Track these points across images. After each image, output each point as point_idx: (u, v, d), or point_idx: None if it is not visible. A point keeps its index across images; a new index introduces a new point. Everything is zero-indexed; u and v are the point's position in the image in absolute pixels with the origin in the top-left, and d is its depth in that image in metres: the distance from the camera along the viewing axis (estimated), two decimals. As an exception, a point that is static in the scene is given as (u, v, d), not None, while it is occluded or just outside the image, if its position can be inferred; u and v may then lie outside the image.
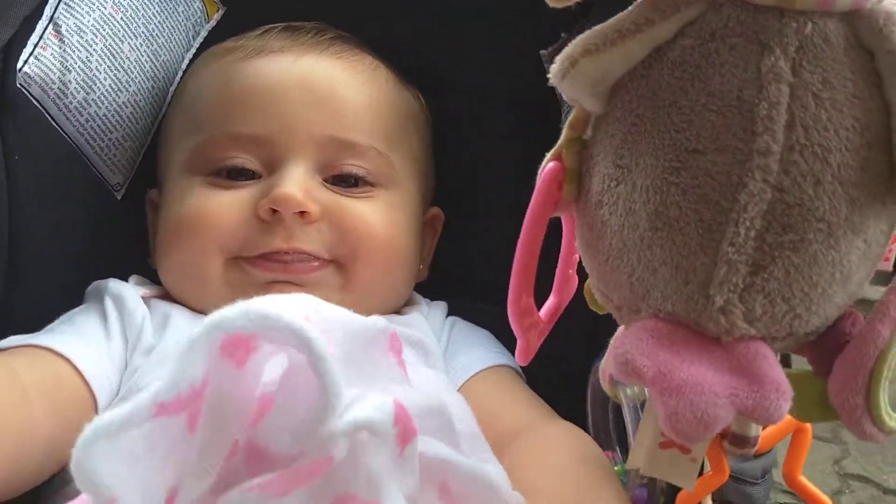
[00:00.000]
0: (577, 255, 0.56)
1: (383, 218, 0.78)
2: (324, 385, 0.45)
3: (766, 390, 0.43)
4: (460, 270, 0.88)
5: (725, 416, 0.43)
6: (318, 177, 0.78)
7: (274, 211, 0.74)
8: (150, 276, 0.83)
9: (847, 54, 0.41)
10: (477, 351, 0.79)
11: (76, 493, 0.63)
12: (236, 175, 0.78)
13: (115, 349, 0.72)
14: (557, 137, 0.86)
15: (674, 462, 0.48)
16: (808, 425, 0.55)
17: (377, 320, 0.57)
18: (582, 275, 0.56)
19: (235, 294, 0.71)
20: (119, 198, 0.84)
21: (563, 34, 0.84)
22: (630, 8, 0.45)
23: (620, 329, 0.59)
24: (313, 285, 0.75)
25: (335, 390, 0.45)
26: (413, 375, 0.59)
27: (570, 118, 0.50)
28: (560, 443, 0.66)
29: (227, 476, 0.47)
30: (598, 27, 0.45)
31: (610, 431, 0.65)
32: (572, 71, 0.45)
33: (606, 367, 0.60)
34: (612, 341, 0.60)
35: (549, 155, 0.50)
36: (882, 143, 0.42)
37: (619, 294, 0.47)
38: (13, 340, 0.69)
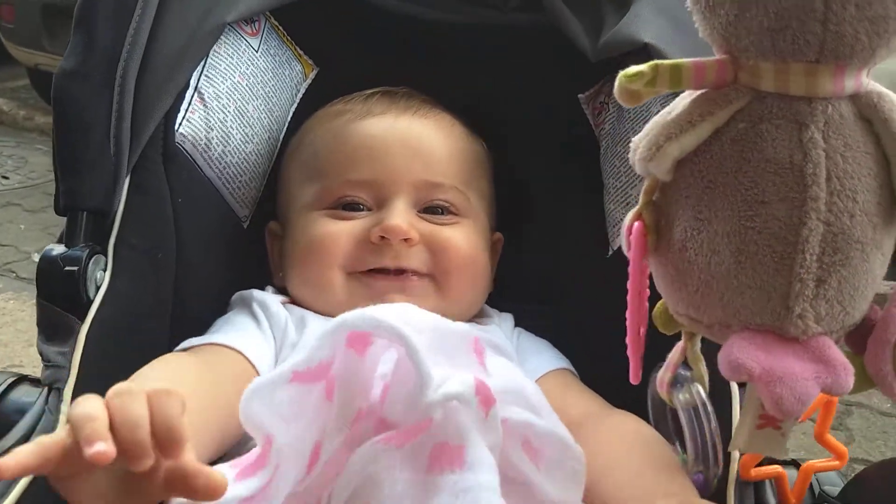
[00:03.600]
0: (648, 292, 0.70)
1: (467, 240, 0.98)
2: (418, 370, 0.63)
3: (838, 370, 0.58)
4: (520, 281, 1.07)
5: (815, 394, 0.58)
6: (414, 210, 0.97)
7: (383, 237, 0.93)
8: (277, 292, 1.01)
9: (856, 124, 0.58)
10: (543, 356, 0.96)
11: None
12: (352, 208, 0.97)
13: (270, 344, 0.89)
14: (593, 165, 1.04)
15: (768, 438, 0.62)
16: (835, 399, 0.72)
17: (461, 325, 0.74)
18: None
19: (354, 302, 0.90)
20: (245, 227, 1.04)
21: (597, 84, 1.01)
22: (689, 103, 0.61)
23: (678, 345, 0.74)
24: (415, 295, 0.91)
25: (426, 372, 0.63)
26: (491, 366, 0.73)
27: (644, 186, 0.64)
28: (626, 427, 0.80)
29: (358, 435, 0.66)
30: (672, 119, 0.60)
31: (669, 428, 0.79)
32: (658, 153, 0.60)
33: (664, 377, 0.74)
34: (670, 356, 0.75)
35: (630, 216, 0.64)
36: (886, 183, 0.59)
37: (710, 315, 0.61)
38: (192, 342, 0.87)
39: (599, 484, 0.73)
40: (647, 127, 0.62)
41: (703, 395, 0.72)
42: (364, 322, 0.65)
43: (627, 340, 0.65)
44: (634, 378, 0.67)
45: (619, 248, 0.96)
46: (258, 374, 0.84)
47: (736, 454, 0.75)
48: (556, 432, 0.71)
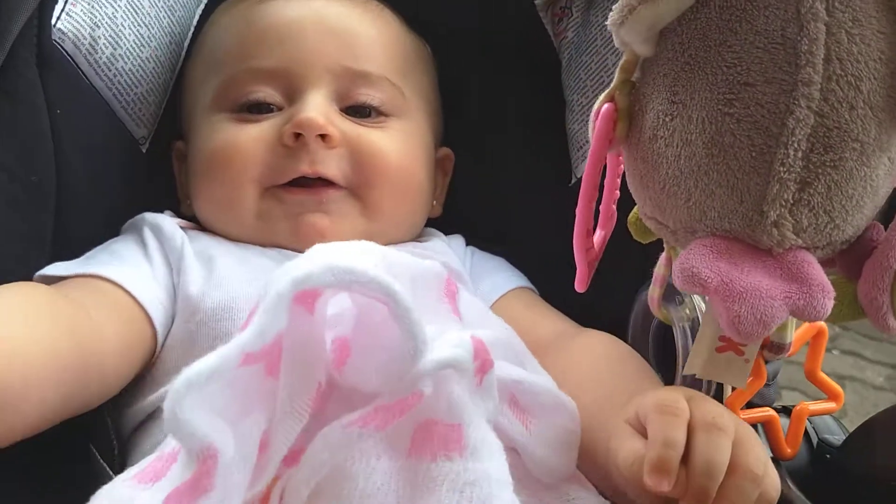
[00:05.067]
0: (618, 192, 0.62)
1: (397, 147, 0.82)
2: (411, 333, 0.49)
3: (814, 291, 0.49)
4: (472, 215, 0.93)
5: (781, 316, 0.49)
6: (335, 106, 0.81)
7: (297, 136, 0.77)
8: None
9: (871, -5, 0.48)
10: (499, 274, 0.84)
11: (152, 433, 0.67)
12: (259, 109, 0.81)
13: (160, 273, 0.74)
14: (558, 83, 0.90)
15: (729, 364, 0.54)
16: (826, 329, 0.63)
17: (434, 265, 0.61)
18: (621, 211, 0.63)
19: (268, 225, 0.79)
20: (144, 151, 0.87)
21: None
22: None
23: (662, 256, 0.66)
24: (337, 214, 0.79)
25: (422, 337, 0.49)
26: (464, 311, 0.64)
27: (621, 62, 0.55)
28: (599, 344, 0.71)
29: (318, 417, 0.51)
30: (651, -21, 0.50)
31: (649, 355, 0.71)
32: (630, 17, 0.51)
33: (654, 293, 0.66)
34: (655, 270, 0.67)
35: (602, 97, 0.56)
36: (903, 72, 0.49)
37: (676, 218, 0.53)
38: (57, 268, 0.71)
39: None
40: (626, -12, 0.53)
41: (704, 305, 0.63)
42: (332, 276, 0.48)
43: (574, 240, 0.57)
44: (580, 285, 0.59)
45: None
46: (145, 312, 0.70)
47: (728, 392, 0.66)
48: (548, 387, 0.60)
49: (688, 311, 0.64)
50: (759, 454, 0.50)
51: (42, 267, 0.72)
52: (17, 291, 0.64)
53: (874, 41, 0.48)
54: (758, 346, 0.54)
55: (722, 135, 0.49)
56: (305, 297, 0.50)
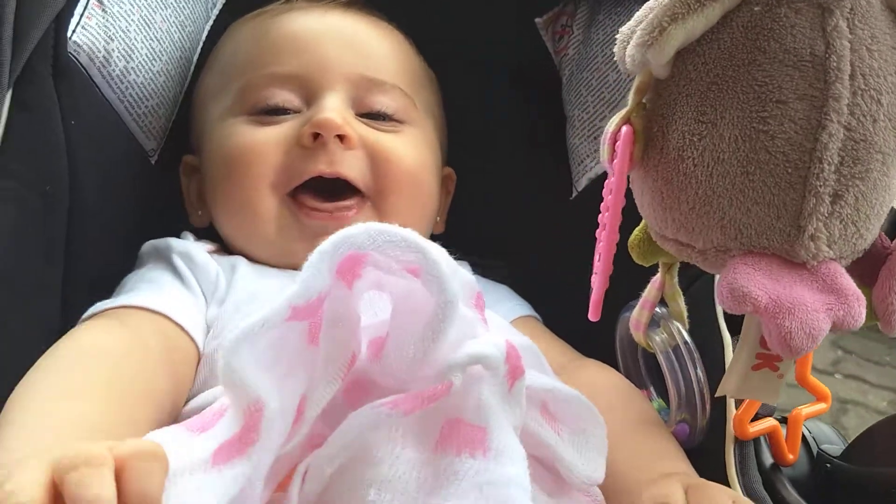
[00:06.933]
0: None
1: (411, 152, 0.83)
2: (441, 287, 0.50)
3: (850, 301, 0.50)
4: (473, 229, 0.93)
5: (826, 328, 0.50)
6: (352, 111, 0.82)
7: (315, 136, 0.77)
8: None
9: (882, 13, 0.50)
10: (505, 304, 0.83)
11: None
12: (277, 112, 0.81)
13: (200, 303, 0.73)
14: (558, 102, 0.91)
15: (764, 381, 0.54)
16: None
17: (469, 275, 0.59)
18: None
19: (287, 238, 0.78)
20: (153, 162, 0.87)
21: (557, 6, 0.90)
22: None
23: (654, 280, 0.65)
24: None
25: (452, 291, 0.50)
26: (490, 324, 0.61)
27: (636, 84, 0.54)
28: (601, 380, 0.71)
29: (353, 391, 0.52)
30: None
31: (641, 373, 0.70)
32: (660, 37, 0.50)
33: (641, 318, 0.66)
34: (644, 294, 0.66)
35: (616, 120, 0.54)
36: (913, 85, 0.51)
37: (707, 238, 0.53)
38: (104, 305, 0.70)
39: None
40: (643, 10, 0.52)
41: (685, 333, 0.63)
42: (367, 237, 0.50)
43: (599, 269, 0.55)
44: (594, 314, 0.57)
45: (585, 188, 0.87)
46: (192, 341, 0.69)
47: (732, 409, 0.66)
48: (577, 395, 0.59)
49: (666, 337, 0.64)
50: None
51: (54, 275, 0.73)
52: (92, 336, 0.65)
53: (890, 56, 0.50)
54: (792, 362, 0.55)
55: (757, 152, 0.50)
56: (345, 272, 0.51)
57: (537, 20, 0.92)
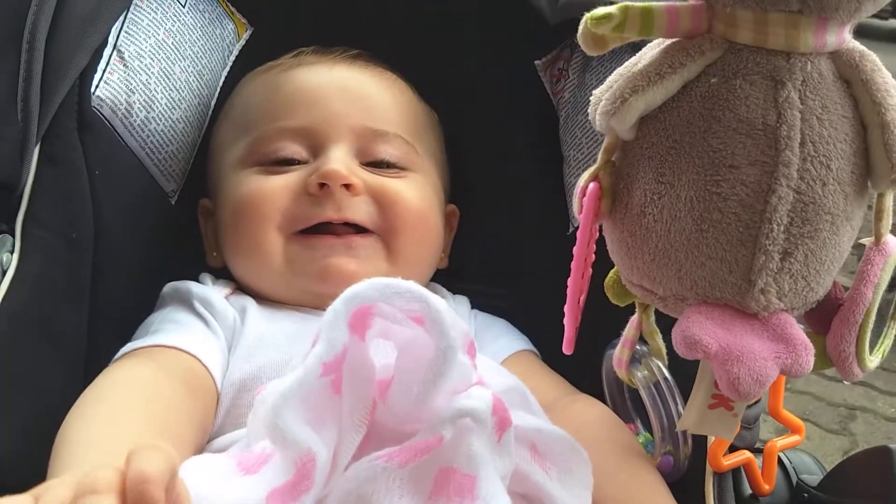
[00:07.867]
0: (593, 258, 0.65)
1: (416, 195, 0.88)
2: (443, 333, 0.55)
3: (798, 350, 0.54)
4: (475, 262, 0.98)
5: (773, 374, 0.54)
6: (356, 161, 0.87)
7: (322, 185, 0.83)
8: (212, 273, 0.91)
9: (835, 84, 0.54)
10: (501, 340, 0.88)
11: None
12: (286, 163, 0.87)
13: (223, 346, 0.78)
14: (556, 140, 0.95)
15: (720, 419, 0.58)
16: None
17: (462, 323, 0.64)
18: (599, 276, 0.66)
19: (296, 272, 0.83)
20: (173, 203, 0.92)
21: (555, 49, 0.94)
22: (659, 53, 0.55)
23: (632, 320, 0.69)
24: (363, 258, 0.83)
25: (453, 335, 0.55)
26: (481, 369, 0.66)
27: (604, 145, 0.59)
28: (588, 416, 0.75)
29: (376, 433, 0.57)
30: (639, 70, 0.54)
31: (628, 407, 0.75)
32: (622, 107, 0.54)
33: (622, 356, 0.70)
34: (625, 333, 0.70)
35: (586, 176, 0.59)
36: (862, 151, 0.54)
37: (665, 287, 0.57)
38: (136, 344, 0.76)
39: None
40: (611, 78, 0.56)
41: (664, 370, 0.68)
42: (374, 290, 0.55)
43: (566, 308, 0.60)
44: (568, 348, 0.62)
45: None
46: (213, 381, 0.75)
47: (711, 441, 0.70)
48: (563, 435, 0.64)
49: (647, 373, 0.68)
50: None
51: (80, 316, 0.78)
52: (128, 375, 0.71)
53: (840, 125, 0.53)
54: (745, 404, 0.59)
55: (710, 212, 0.54)
56: (357, 324, 0.56)
57: (537, 62, 0.96)
